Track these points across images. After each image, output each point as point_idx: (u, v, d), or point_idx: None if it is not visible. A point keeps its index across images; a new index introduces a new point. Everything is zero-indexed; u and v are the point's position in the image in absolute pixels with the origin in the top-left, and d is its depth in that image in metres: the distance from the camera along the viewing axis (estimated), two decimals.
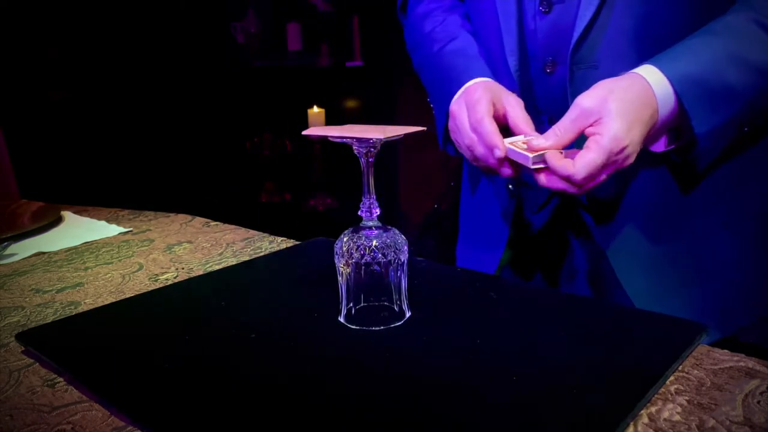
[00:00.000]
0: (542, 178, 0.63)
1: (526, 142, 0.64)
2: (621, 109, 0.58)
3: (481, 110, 0.67)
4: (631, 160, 0.60)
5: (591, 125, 0.60)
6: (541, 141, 0.62)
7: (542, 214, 0.82)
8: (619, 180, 0.71)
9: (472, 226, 0.94)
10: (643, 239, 0.72)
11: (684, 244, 0.72)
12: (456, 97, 0.73)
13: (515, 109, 0.68)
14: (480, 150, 0.67)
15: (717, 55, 0.61)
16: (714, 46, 0.61)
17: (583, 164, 0.59)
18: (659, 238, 0.72)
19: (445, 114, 0.75)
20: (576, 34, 0.67)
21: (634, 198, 0.72)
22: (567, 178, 0.60)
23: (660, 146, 0.65)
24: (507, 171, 0.67)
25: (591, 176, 0.59)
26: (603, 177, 0.60)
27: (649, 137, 0.62)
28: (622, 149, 0.59)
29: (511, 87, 0.74)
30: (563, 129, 0.61)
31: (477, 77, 0.73)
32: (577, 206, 0.76)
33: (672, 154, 0.66)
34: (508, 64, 0.74)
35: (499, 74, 0.75)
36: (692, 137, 0.61)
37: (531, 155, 0.62)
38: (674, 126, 0.64)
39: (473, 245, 0.93)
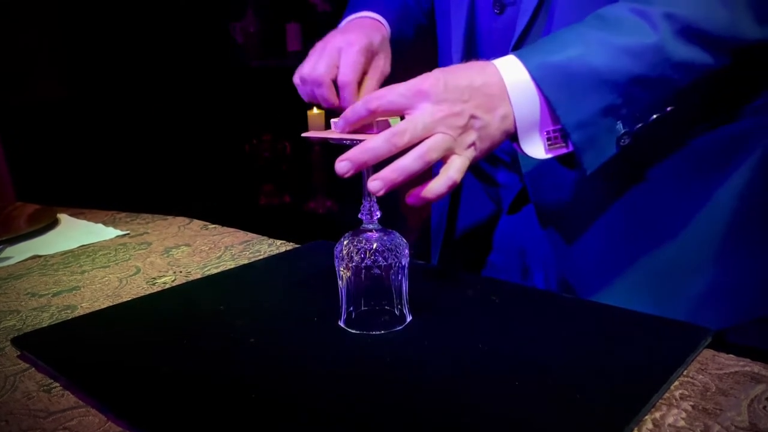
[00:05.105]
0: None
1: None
2: (444, 71, 0.55)
3: (356, 52, 0.66)
4: (456, 122, 0.53)
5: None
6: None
7: (497, 218, 0.83)
8: (575, 183, 0.71)
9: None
10: (607, 242, 0.72)
11: (657, 245, 0.71)
12: (355, 16, 0.76)
13: (374, 73, 0.69)
14: (320, 68, 0.66)
15: (580, 40, 0.57)
16: (578, 33, 0.58)
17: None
18: (625, 241, 0.72)
19: None
20: (515, 35, 0.68)
21: (591, 200, 0.71)
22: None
23: (539, 151, 0.59)
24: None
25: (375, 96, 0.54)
26: (385, 103, 0.54)
27: (508, 128, 0.57)
28: (421, 91, 0.53)
29: None
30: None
31: (381, 12, 0.77)
32: (535, 208, 0.76)
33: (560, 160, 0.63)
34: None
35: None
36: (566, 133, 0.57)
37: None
38: (552, 127, 0.58)
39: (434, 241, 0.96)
